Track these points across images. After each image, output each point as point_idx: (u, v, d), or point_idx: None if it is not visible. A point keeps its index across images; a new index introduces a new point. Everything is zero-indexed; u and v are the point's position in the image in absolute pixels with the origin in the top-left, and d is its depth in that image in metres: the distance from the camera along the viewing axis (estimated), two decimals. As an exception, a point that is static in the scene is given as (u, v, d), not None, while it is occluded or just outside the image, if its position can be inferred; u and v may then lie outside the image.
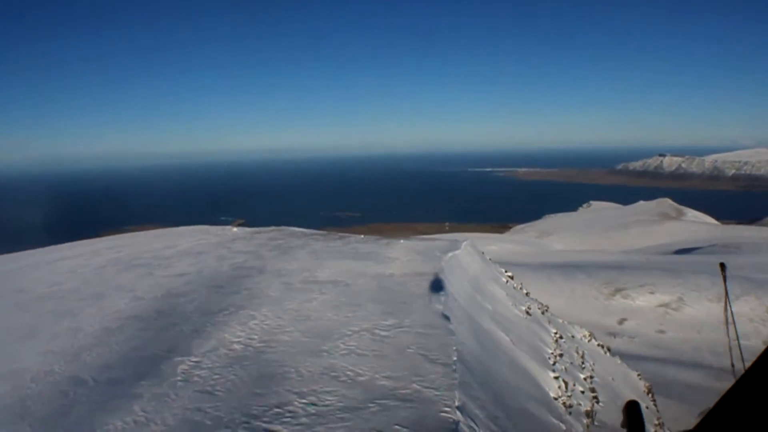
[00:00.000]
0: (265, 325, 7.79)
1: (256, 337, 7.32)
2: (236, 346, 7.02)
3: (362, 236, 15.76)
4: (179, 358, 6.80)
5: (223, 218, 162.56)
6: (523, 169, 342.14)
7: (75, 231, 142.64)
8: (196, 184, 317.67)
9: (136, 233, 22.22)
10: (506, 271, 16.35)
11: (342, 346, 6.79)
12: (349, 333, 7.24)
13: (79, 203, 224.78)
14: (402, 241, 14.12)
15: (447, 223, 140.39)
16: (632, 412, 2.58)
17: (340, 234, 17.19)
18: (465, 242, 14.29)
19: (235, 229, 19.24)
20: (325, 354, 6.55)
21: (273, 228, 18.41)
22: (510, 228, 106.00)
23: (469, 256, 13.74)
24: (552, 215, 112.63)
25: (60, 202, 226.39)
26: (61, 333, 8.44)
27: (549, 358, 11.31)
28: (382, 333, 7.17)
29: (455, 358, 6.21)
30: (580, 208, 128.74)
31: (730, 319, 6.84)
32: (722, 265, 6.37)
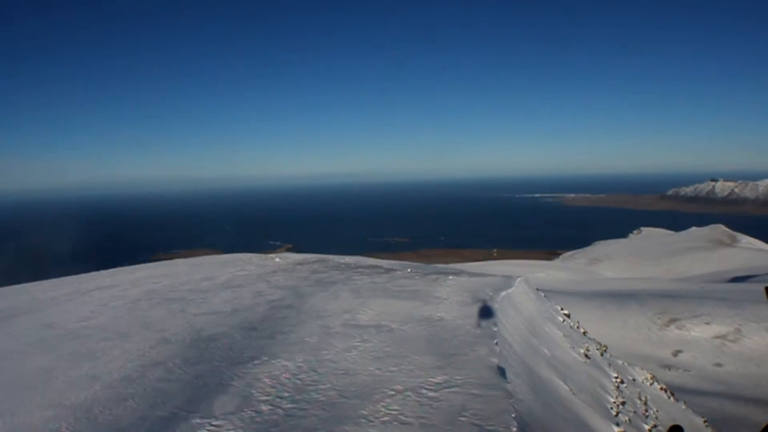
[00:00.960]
0: (298, 380, 6.84)
1: (287, 395, 6.39)
2: (264, 407, 6.09)
3: (409, 270, 14.81)
4: (198, 420, 5.90)
5: (272, 242, 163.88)
6: (572, 195, 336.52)
7: (129, 254, 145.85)
8: (247, 208, 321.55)
9: (179, 260, 21.59)
10: (562, 309, 15.15)
11: (383, 410, 5.81)
12: (393, 393, 6.25)
13: (134, 226, 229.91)
14: (451, 277, 13.06)
15: (495, 249, 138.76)
16: None
17: (386, 266, 16.30)
18: (519, 279, 13.19)
19: (277, 259, 18.49)
20: (363, 421, 5.58)
21: (316, 257, 17.63)
22: (559, 254, 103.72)
23: (524, 295, 12.65)
24: (602, 242, 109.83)
25: (114, 226, 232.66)
26: (77, 381, 7.62)
27: (611, 408, 10.22)
28: (431, 393, 6.17)
29: (514, 430, 5.22)
30: (631, 235, 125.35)
31: None
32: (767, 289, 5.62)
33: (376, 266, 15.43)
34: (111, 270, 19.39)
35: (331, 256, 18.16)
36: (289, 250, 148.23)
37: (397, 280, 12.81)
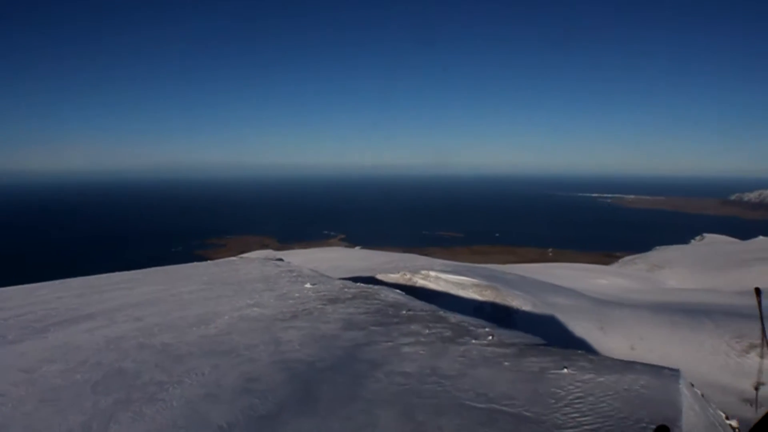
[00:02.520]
0: None
1: None
2: None
3: (490, 336, 9.90)
4: None
5: (326, 232, 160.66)
6: (630, 196, 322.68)
7: (182, 237, 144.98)
8: (303, 197, 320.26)
9: (188, 269, 17.55)
10: (726, 417, 9.84)
11: None
12: None
13: (190, 210, 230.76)
14: (566, 370, 8.01)
15: (550, 249, 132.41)
16: None
17: (454, 319, 11.57)
18: (681, 381, 7.85)
19: (308, 285, 14.02)
20: None
21: (358, 289, 13.12)
22: (615, 257, 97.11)
23: (690, 409, 7.48)
24: (663, 247, 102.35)
25: (171, 209, 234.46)
26: None
27: None
28: None
29: None
30: (693, 241, 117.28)
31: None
32: (757, 290, 5.46)
33: (440, 319, 10.65)
34: (98, 281, 15.38)
35: (379, 288, 13.56)
36: (342, 240, 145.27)
37: (476, 367, 8.00)
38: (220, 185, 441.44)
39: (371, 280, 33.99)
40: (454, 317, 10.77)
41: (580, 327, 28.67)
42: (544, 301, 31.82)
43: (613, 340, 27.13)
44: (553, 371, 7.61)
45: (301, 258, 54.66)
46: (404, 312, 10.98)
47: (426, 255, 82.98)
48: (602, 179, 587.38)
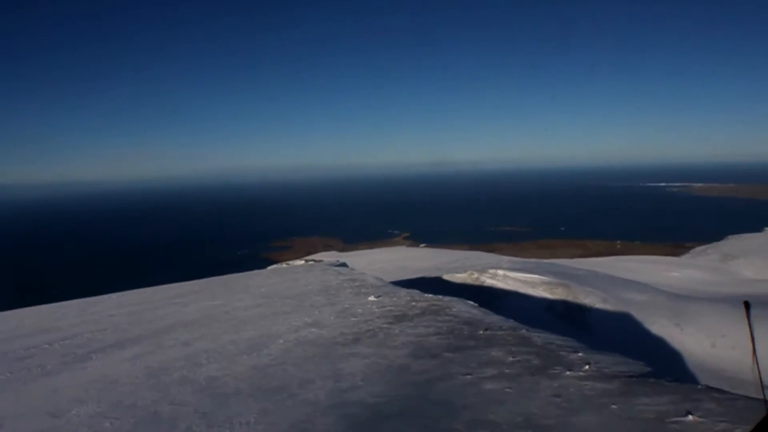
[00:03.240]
0: None
1: None
2: None
3: (587, 365, 8.24)
4: None
5: (390, 231, 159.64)
6: (699, 184, 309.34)
7: (249, 241, 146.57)
8: (366, 195, 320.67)
9: (235, 281, 16.25)
10: None
11: None
12: None
13: (254, 213, 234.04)
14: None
15: (618, 242, 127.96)
16: None
17: (539, 341, 9.93)
18: None
19: (371, 297, 12.61)
20: None
21: (427, 302, 11.64)
22: (685, 248, 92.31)
23: None
24: (735, 236, 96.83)
25: (235, 213, 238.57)
26: None
27: None
28: None
29: None
30: (767, 229, 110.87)
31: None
32: (747, 304, 4.68)
33: (523, 340, 8.89)
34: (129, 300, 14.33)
35: (450, 301, 12.00)
36: (406, 238, 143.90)
37: (577, 412, 6.32)
38: (286, 188, 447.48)
39: (438, 281, 32.59)
40: (539, 337, 9.06)
41: (656, 324, 26.55)
42: (617, 297, 29.80)
43: (692, 338, 24.94)
44: (674, 419, 5.89)
45: (366, 259, 53.51)
46: (481, 332, 9.34)
47: (491, 251, 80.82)
48: (669, 168, 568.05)
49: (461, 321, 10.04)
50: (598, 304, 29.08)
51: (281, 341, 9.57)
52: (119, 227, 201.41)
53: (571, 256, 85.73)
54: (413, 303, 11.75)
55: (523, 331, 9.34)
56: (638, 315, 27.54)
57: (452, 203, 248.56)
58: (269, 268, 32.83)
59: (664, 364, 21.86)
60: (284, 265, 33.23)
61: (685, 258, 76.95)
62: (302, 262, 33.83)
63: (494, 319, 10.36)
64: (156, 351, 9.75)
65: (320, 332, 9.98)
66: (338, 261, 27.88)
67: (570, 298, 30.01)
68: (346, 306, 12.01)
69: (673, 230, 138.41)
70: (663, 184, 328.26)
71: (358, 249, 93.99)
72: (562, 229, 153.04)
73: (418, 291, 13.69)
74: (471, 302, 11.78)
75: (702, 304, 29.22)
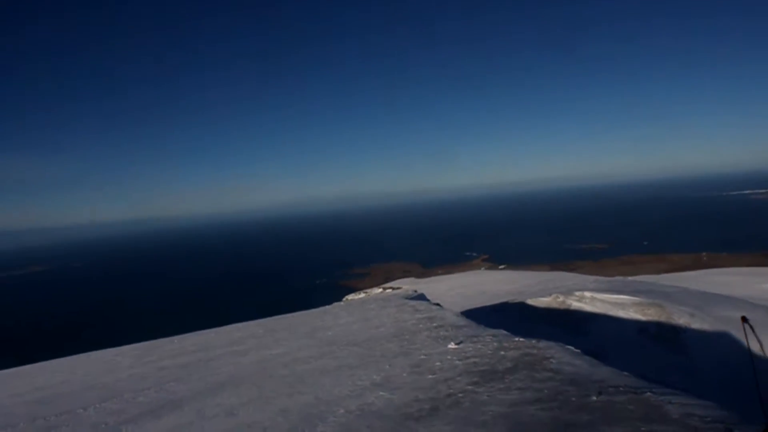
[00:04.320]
0: None
1: None
2: None
3: None
4: None
5: (468, 253, 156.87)
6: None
7: (325, 270, 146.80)
8: (443, 219, 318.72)
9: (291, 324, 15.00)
10: None
11: None
12: None
13: (328, 242, 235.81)
14: None
15: (704, 254, 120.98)
16: None
17: (684, 409, 8.03)
18: None
19: (452, 344, 11.01)
20: None
21: (524, 348, 9.91)
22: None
23: None
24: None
25: (308, 242, 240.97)
26: None
27: None
28: None
29: None
30: None
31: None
32: (744, 319, 5.21)
33: (652, 408, 6.41)
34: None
35: (546, 347, 10.07)
36: (485, 260, 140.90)
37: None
38: (364, 215, 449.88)
39: (522, 307, 30.53)
40: (672, 405, 6.94)
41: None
42: (714, 316, 26.96)
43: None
44: None
45: (444, 285, 51.72)
46: (595, 398, 7.30)
47: (572, 270, 77.52)
48: (753, 175, 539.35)
49: (565, 380, 8.12)
50: (695, 325, 26.43)
51: (341, 411, 7.95)
52: (202, 260, 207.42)
53: (657, 272, 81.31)
54: (502, 352, 9.93)
55: (648, 394, 7.32)
56: (739, 335, 24.90)
57: (528, 222, 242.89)
58: (345, 298, 31.62)
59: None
60: (362, 294, 32.08)
61: (779, 269, 71.78)
62: (380, 290, 32.60)
63: (605, 372, 8.41)
64: (194, 423, 8.36)
65: (390, 397, 8.32)
66: (415, 292, 26.43)
67: (663, 318, 27.48)
68: (422, 357, 10.36)
69: (761, 239, 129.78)
70: (748, 191, 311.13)
71: (436, 273, 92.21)
72: (645, 243, 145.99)
73: (505, 332, 11.89)
74: (572, 348, 9.86)
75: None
